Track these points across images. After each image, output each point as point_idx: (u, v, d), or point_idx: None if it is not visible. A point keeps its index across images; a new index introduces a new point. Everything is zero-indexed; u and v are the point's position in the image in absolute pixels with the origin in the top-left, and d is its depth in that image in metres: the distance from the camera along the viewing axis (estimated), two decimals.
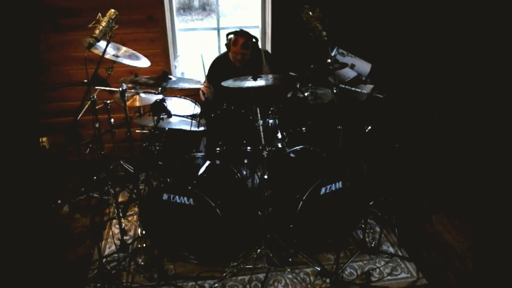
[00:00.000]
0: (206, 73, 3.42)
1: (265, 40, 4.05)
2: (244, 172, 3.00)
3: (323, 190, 2.60)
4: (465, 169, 3.57)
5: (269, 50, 3.97)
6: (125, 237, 2.93)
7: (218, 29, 4.13)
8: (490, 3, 3.41)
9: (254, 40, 3.20)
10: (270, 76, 2.73)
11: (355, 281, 2.61)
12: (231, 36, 3.16)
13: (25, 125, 3.80)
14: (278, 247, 2.80)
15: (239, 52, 3.15)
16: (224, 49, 3.43)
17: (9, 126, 3.64)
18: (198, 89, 3.21)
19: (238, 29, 3.18)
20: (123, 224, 3.07)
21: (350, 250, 2.87)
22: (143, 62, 3.17)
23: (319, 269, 2.66)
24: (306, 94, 2.99)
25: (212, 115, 2.81)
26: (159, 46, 3.85)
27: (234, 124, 2.82)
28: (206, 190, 2.52)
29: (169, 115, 2.66)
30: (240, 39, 3.12)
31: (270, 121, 2.84)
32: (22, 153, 3.74)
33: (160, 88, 2.98)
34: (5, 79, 3.56)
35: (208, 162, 2.87)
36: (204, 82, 3.05)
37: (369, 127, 2.86)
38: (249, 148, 2.79)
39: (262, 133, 2.60)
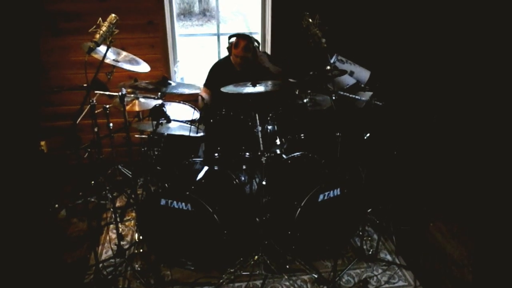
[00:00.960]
0: (206, 77, 3.44)
1: (265, 46, 4.06)
2: (243, 178, 3.00)
3: (321, 196, 2.59)
4: (463, 176, 3.57)
5: None
6: (122, 242, 2.91)
7: (218, 35, 4.14)
8: (487, 10, 3.43)
9: (256, 44, 3.21)
10: (269, 82, 2.74)
11: None
12: (233, 38, 3.17)
13: (24, 129, 3.80)
14: (276, 253, 2.79)
15: (240, 55, 3.16)
16: (224, 54, 3.45)
17: (7, 129, 3.64)
18: (197, 94, 3.22)
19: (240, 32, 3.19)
20: (120, 229, 3.06)
21: (347, 257, 2.87)
22: (143, 67, 3.17)
23: (316, 276, 2.65)
24: (305, 100, 2.99)
25: (211, 120, 2.82)
26: (159, 51, 3.86)
27: (233, 130, 2.82)
28: (204, 195, 2.51)
29: (168, 120, 2.66)
30: (242, 42, 3.13)
31: (269, 127, 2.84)
32: (20, 157, 3.74)
33: (159, 93, 2.99)
34: (4, 82, 3.57)
35: (206, 168, 2.87)
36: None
37: (368, 134, 2.87)
38: (247, 154, 2.79)
39: (260, 139, 2.60)
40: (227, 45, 3.26)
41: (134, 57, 3.17)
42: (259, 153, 2.58)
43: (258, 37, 4.10)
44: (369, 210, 3.16)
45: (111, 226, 3.16)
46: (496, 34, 3.40)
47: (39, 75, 3.77)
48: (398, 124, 3.53)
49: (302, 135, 3.02)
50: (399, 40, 3.83)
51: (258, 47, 3.26)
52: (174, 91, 2.80)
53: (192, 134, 2.76)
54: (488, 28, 3.46)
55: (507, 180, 3.14)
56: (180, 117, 2.90)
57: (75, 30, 3.62)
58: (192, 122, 2.85)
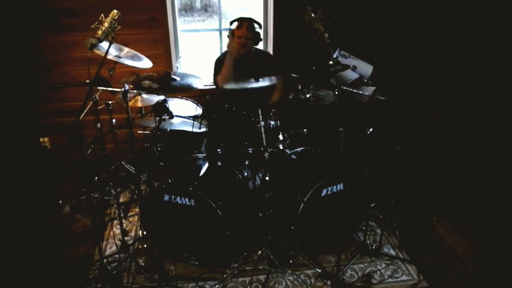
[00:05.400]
0: (214, 69, 3.44)
1: (267, 42, 4.05)
2: (245, 174, 3.00)
3: (324, 191, 2.59)
4: (466, 172, 3.57)
5: (271, 51, 3.97)
6: (126, 238, 2.93)
7: (220, 30, 4.13)
8: (490, 8, 3.41)
9: (257, 27, 3.20)
10: (273, 77, 2.73)
11: (356, 283, 2.60)
12: (236, 22, 3.16)
13: (25, 126, 3.81)
14: (279, 248, 2.79)
15: (244, 35, 3.14)
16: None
17: (8, 126, 3.65)
18: (200, 90, 3.22)
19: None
20: (124, 225, 3.07)
21: (351, 252, 2.87)
22: (145, 63, 3.17)
23: (320, 271, 2.66)
24: (307, 95, 2.99)
25: (214, 116, 2.81)
26: (161, 47, 3.85)
27: (236, 125, 2.82)
28: (207, 191, 2.52)
29: (171, 116, 2.67)
30: (245, 22, 3.13)
31: (272, 122, 2.84)
32: (22, 153, 3.76)
33: None
34: (4, 79, 3.58)
35: (209, 163, 2.87)
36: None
37: (371, 129, 2.86)
38: (250, 149, 2.79)
39: (263, 135, 2.60)
40: (228, 33, 3.24)
41: (137, 53, 3.17)
42: (262, 149, 2.58)
43: (260, 32, 4.07)
44: (372, 205, 3.16)
45: (115, 221, 3.17)
46: (498, 37, 3.38)
47: (38, 72, 3.76)
48: (401, 119, 3.52)
49: (305, 130, 3.02)
50: (402, 35, 3.81)
51: (260, 33, 3.25)
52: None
53: (194, 130, 2.76)
54: (490, 30, 3.44)
55: (508, 177, 3.14)
56: (183, 113, 2.90)
57: (77, 26, 3.61)
58: (194, 117, 2.85)
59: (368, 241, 2.93)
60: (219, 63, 3.38)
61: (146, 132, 3.43)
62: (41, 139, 4.02)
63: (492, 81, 3.47)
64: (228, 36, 3.23)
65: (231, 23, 3.19)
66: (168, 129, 2.86)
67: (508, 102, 3.30)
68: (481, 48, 3.56)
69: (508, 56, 3.31)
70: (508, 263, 2.67)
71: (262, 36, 3.34)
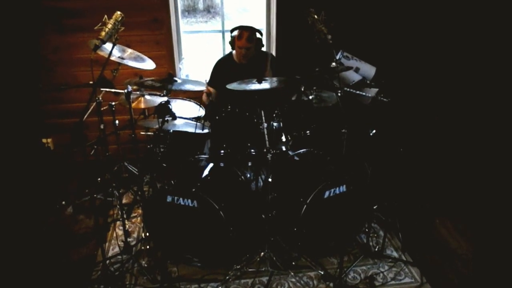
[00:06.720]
0: (209, 75, 3.45)
1: (270, 43, 4.05)
2: (248, 175, 3.00)
3: (327, 193, 2.59)
4: (468, 173, 3.56)
5: (274, 53, 3.97)
6: (128, 239, 2.93)
7: (223, 32, 4.13)
8: (489, 9, 3.41)
9: (258, 34, 3.21)
10: (275, 79, 2.73)
11: (358, 286, 2.60)
12: (236, 31, 3.17)
13: (27, 126, 3.83)
14: (282, 250, 2.79)
15: (244, 46, 3.16)
16: (229, 51, 3.45)
17: (11, 127, 3.66)
18: (202, 91, 3.22)
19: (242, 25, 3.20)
20: (127, 226, 3.07)
21: (353, 254, 2.86)
22: (148, 64, 3.18)
23: (322, 273, 2.66)
24: (310, 97, 2.99)
25: (217, 117, 2.82)
26: (164, 48, 3.86)
27: (239, 126, 2.82)
28: (210, 192, 2.52)
29: (174, 117, 2.67)
30: (245, 33, 3.15)
31: (275, 124, 2.84)
32: (24, 154, 3.77)
33: (165, 90, 2.99)
34: (5, 80, 3.59)
35: (212, 165, 2.87)
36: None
37: (374, 131, 2.86)
38: (253, 151, 2.79)
39: (266, 136, 2.60)
40: (229, 39, 3.26)
41: (140, 54, 3.17)
42: (265, 150, 2.59)
43: (263, 33, 4.08)
44: (375, 207, 3.15)
45: (118, 223, 3.17)
46: (499, 38, 3.38)
47: (40, 71, 3.78)
48: (404, 121, 3.51)
49: (307, 131, 3.02)
50: (405, 36, 3.80)
51: (261, 40, 3.27)
52: (180, 88, 2.80)
53: (197, 131, 2.76)
54: (491, 32, 3.44)
55: (509, 177, 3.12)
56: (186, 114, 2.90)
57: (79, 27, 3.63)
58: (197, 119, 2.85)
59: (370, 243, 2.92)
60: (216, 70, 3.39)
61: (149, 133, 3.43)
62: (44, 140, 4.04)
63: (492, 82, 3.46)
64: (229, 42, 3.25)
65: (232, 31, 3.21)
66: (171, 130, 2.86)
67: (507, 102, 3.30)
68: (480, 48, 3.55)
69: (506, 57, 3.31)
70: (510, 263, 2.66)
71: (264, 42, 3.34)
